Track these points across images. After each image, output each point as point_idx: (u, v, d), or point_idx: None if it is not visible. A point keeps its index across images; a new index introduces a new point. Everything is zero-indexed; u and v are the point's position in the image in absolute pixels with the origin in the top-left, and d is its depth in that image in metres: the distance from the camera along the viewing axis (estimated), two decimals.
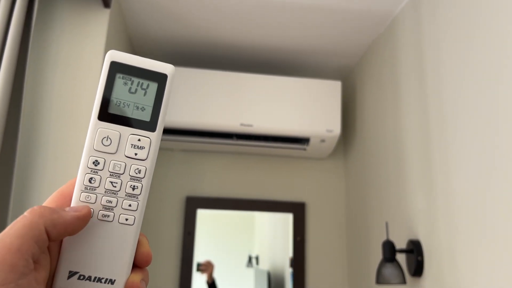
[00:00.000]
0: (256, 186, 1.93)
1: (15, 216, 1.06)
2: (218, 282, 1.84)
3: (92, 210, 0.34)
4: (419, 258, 1.24)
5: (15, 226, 0.29)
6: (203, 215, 1.88)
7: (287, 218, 1.94)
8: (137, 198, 0.35)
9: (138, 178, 0.35)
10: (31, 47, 1.15)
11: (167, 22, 1.63)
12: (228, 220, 1.98)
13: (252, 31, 1.67)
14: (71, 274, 0.33)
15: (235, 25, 1.63)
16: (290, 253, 1.89)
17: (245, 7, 1.52)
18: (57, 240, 0.32)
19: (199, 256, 1.83)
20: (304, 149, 1.82)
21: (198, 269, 1.82)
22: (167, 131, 1.73)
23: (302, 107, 1.72)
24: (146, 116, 0.36)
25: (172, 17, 1.60)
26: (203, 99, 1.68)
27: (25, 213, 0.30)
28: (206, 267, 1.84)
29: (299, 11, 1.53)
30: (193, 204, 1.87)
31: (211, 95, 1.69)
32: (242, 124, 1.68)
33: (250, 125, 1.69)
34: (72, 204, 0.34)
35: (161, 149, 1.90)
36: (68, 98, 1.26)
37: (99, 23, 1.33)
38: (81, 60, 1.30)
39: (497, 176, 0.96)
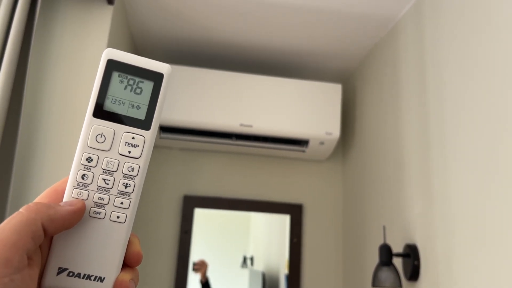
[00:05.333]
0: (254, 187, 1.93)
1: (13, 213, 1.06)
2: (213, 282, 1.84)
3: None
4: (416, 262, 1.25)
5: (11, 221, 0.29)
6: (198, 214, 1.88)
7: (283, 219, 1.94)
8: (129, 196, 0.35)
9: (131, 176, 0.35)
10: (33, 43, 1.14)
11: (169, 20, 1.63)
12: (223, 220, 1.98)
13: (254, 32, 1.68)
14: (61, 270, 0.33)
15: (237, 25, 1.64)
16: (286, 254, 1.89)
17: (248, 7, 1.52)
18: (53, 235, 0.32)
19: (193, 255, 1.83)
20: (303, 151, 1.83)
21: (192, 268, 1.82)
22: (166, 129, 1.72)
23: (302, 109, 1.73)
24: (141, 115, 0.36)
25: (174, 15, 1.60)
26: (203, 98, 1.68)
27: (21, 210, 0.30)
28: (200, 266, 1.84)
29: (301, 13, 1.53)
30: (190, 203, 1.87)
31: (211, 94, 1.69)
32: (241, 125, 1.68)
33: (250, 126, 1.69)
34: (64, 200, 0.34)
35: (159, 147, 1.90)
36: (70, 95, 1.26)
37: (103, 20, 1.33)
38: (84, 57, 1.30)
39: (495, 182, 0.96)
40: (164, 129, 1.72)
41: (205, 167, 1.94)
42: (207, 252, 1.90)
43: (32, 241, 0.29)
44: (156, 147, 1.90)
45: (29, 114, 1.21)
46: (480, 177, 1.02)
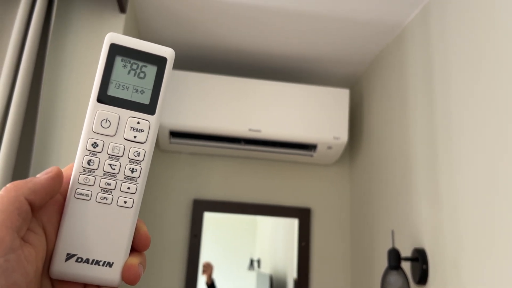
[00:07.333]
0: (263, 191, 1.95)
1: None
2: (220, 284, 1.85)
3: (91, 192, 0.34)
4: (424, 266, 1.25)
5: None
6: (206, 218, 1.90)
7: (290, 223, 1.95)
8: (136, 181, 0.35)
9: (137, 161, 0.35)
10: (48, 50, 1.18)
11: (180, 27, 1.66)
12: (230, 223, 2.00)
13: (263, 38, 1.70)
14: (69, 256, 0.33)
15: (246, 31, 1.66)
16: (293, 258, 1.90)
17: (256, 14, 1.54)
18: (41, 207, 0.32)
19: (201, 258, 1.85)
20: (311, 156, 1.84)
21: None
22: (176, 134, 1.75)
23: (310, 114, 1.74)
24: (145, 99, 0.35)
25: (184, 23, 1.63)
26: (212, 103, 1.70)
27: (0, 192, 0.30)
28: (206, 269, 1.85)
29: (309, 19, 1.55)
30: (200, 207, 1.89)
31: (220, 100, 1.71)
32: (250, 129, 1.70)
33: (258, 131, 1.71)
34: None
35: (169, 151, 1.92)
36: (83, 100, 1.29)
37: (115, 28, 1.36)
38: (97, 64, 1.32)
39: (503, 186, 0.96)
40: (173, 134, 1.74)
41: (214, 172, 1.95)
42: (214, 255, 1.91)
43: (20, 217, 0.29)
44: (165, 151, 1.93)
45: (45, 118, 1.24)
46: (488, 181, 1.02)
